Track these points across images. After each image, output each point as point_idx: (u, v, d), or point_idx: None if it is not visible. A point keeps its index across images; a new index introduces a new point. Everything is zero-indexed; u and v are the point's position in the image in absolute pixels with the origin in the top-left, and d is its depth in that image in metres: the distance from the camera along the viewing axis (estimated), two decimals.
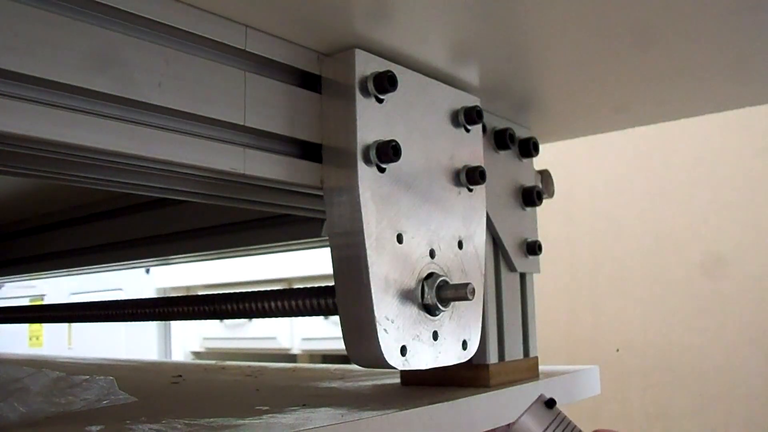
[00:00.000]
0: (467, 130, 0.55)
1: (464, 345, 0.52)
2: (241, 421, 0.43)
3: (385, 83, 0.46)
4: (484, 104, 0.57)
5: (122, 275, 2.47)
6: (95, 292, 2.41)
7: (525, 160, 0.67)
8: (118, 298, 0.91)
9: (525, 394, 0.58)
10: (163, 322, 2.68)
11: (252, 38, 0.44)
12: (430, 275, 0.49)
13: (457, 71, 0.54)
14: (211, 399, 0.65)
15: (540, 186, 0.68)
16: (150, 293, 2.60)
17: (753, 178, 1.31)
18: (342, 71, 0.47)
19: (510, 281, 0.64)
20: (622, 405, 1.47)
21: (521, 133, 0.66)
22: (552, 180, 0.71)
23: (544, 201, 0.68)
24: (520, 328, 0.65)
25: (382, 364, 0.45)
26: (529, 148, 0.66)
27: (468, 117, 0.55)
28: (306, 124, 0.47)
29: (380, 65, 0.48)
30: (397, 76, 0.47)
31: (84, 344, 2.87)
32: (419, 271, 0.49)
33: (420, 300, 0.48)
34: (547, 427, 0.44)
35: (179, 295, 0.80)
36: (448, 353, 0.50)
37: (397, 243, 0.47)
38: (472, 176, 0.54)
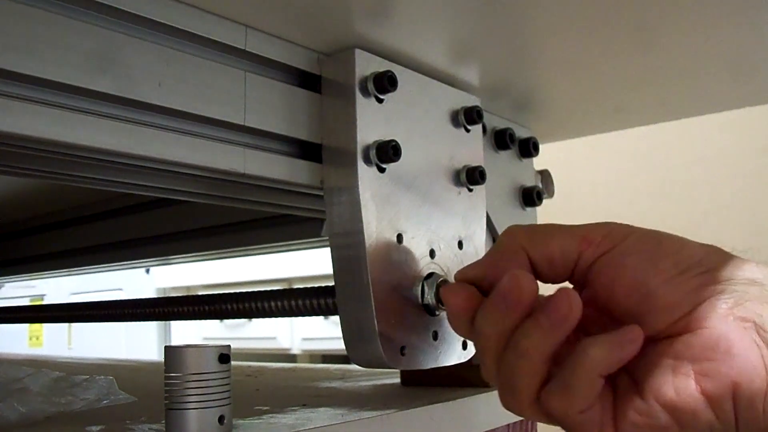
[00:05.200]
0: (467, 130, 0.55)
1: (464, 345, 0.52)
2: (241, 421, 0.43)
3: (385, 83, 0.46)
4: (484, 104, 0.57)
5: (122, 275, 2.46)
6: (95, 292, 2.40)
7: (525, 160, 0.67)
8: (118, 298, 0.91)
9: None
10: (163, 322, 2.68)
11: (252, 38, 0.44)
12: (430, 275, 0.49)
13: (457, 71, 0.54)
14: None
15: (540, 186, 0.68)
16: (150, 293, 2.60)
17: (753, 178, 1.31)
18: (342, 71, 0.47)
19: None
20: None
21: (521, 133, 0.66)
22: (552, 180, 0.71)
23: (544, 201, 0.68)
24: None
25: (382, 364, 0.45)
26: (529, 148, 0.66)
27: (468, 117, 0.55)
28: (306, 124, 0.47)
29: (380, 65, 0.48)
30: (397, 76, 0.47)
31: (84, 344, 2.87)
32: (419, 271, 0.49)
33: (420, 300, 0.48)
34: None
35: (179, 295, 0.80)
36: (448, 353, 0.50)
37: (397, 243, 0.47)
38: (472, 176, 0.54)
